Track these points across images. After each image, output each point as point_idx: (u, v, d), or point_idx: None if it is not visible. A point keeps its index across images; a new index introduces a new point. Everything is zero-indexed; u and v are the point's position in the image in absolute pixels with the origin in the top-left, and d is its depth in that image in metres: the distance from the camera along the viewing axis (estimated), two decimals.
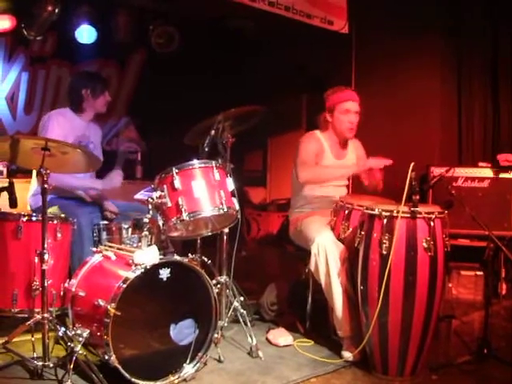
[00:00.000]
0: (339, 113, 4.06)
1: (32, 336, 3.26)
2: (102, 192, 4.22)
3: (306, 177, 3.96)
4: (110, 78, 7.77)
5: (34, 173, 4.16)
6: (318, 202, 4.13)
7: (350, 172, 4.02)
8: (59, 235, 3.43)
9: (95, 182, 4.24)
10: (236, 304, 3.83)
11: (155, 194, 3.34)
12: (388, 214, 3.20)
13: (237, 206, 3.49)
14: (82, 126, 4.29)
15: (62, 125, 4.10)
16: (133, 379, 2.94)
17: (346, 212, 3.67)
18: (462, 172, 5.41)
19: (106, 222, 3.94)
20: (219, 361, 3.46)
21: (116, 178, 4.17)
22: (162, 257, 3.15)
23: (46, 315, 3.07)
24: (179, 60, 7.28)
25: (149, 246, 3.22)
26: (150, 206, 3.33)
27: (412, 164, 3.15)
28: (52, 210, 3.93)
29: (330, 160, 4.12)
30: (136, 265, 3.03)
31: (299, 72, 7.36)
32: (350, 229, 3.62)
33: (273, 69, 7.56)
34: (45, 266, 3.08)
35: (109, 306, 2.89)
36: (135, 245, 3.53)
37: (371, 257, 3.26)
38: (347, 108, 4.05)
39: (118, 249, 3.41)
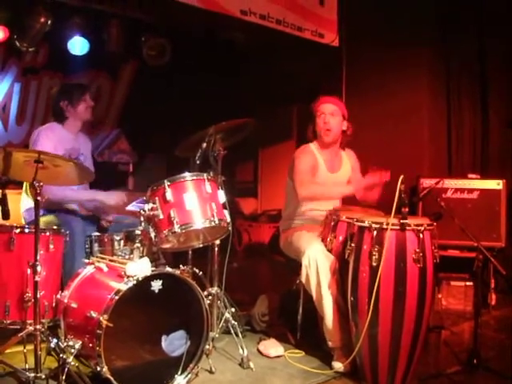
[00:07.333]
0: (316, 117, 4.15)
1: (24, 347, 3.27)
2: (101, 205, 4.19)
3: (305, 194, 3.96)
4: (102, 89, 7.83)
5: (25, 186, 4.13)
6: (310, 214, 4.15)
7: (346, 192, 3.98)
8: (52, 247, 3.41)
9: (97, 194, 4.18)
10: (227, 315, 3.85)
11: (147, 206, 3.35)
12: (378, 226, 3.23)
13: (228, 219, 3.51)
14: (71, 138, 4.28)
15: (51, 139, 4.10)
16: None
17: (333, 223, 3.70)
18: (451, 183, 5.45)
19: (97, 234, 3.93)
20: (210, 372, 3.47)
21: (118, 197, 4.12)
22: (153, 268, 3.16)
23: (38, 326, 3.08)
24: (171, 71, 7.31)
25: (141, 257, 3.24)
26: (141, 218, 3.35)
27: (401, 177, 3.19)
28: (47, 219, 3.95)
29: (323, 174, 4.13)
30: (128, 276, 3.04)
31: (290, 83, 7.40)
32: (340, 238, 3.62)
33: (264, 80, 7.61)
34: (37, 278, 3.08)
35: (101, 318, 2.90)
36: (127, 256, 3.54)
37: (361, 268, 3.28)
38: (321, 110, 4.13)
39: (110, 260, 3.42)
